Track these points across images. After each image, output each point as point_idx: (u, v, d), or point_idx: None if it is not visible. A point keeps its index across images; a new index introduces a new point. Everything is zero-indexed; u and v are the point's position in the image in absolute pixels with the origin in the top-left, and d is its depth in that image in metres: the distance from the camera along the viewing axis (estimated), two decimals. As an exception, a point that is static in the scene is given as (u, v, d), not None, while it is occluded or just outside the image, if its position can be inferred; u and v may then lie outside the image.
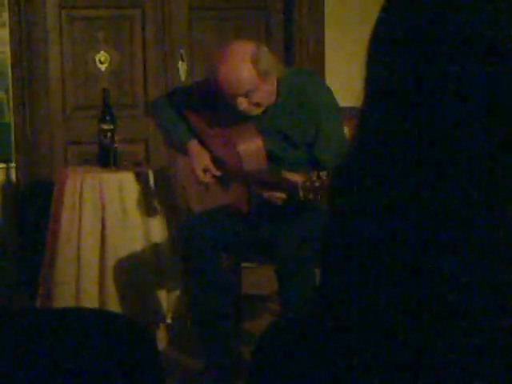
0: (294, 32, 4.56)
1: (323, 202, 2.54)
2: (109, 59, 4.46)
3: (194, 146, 3.14)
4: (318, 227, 2.69)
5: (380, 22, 0.82)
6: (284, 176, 2.74)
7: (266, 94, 2.92)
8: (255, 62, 2.86)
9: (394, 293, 0.77)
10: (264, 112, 2.97)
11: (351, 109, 3.03)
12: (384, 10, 0.83)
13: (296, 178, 2.65)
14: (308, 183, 2.53)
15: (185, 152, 3.17)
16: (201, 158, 3.11)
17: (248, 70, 2.85)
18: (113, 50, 4.46)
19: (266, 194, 2.81)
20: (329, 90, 3.04)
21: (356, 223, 0.80)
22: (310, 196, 2.53)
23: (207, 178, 3.11)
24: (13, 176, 4.27)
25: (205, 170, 3.11)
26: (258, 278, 3.75)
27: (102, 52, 4.45)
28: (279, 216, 2.93)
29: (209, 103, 3.11)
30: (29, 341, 1.33)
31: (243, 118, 3.00)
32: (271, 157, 2.99)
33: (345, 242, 0.82)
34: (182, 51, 4.52)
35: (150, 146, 4.54)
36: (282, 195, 2.75)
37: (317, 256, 2.79)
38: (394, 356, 0.78)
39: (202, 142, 3.15)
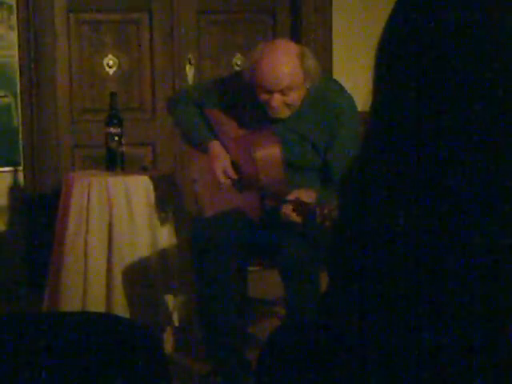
0: (301, 35, 4.56)
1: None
2: (117, 63, 4.47)
3: (215, 146, 3.09)
4: (320, 230, 2.68)
5: (387, 29, 0.82)
6: (303, 200, 2.70)
7: (300, 95, 2.88)
8: (301, 58, 2.83)
9: (396, 303, 0.77)
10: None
11: (360, 113, 3.02)
12: (391, 18, 0.82)
13: (312, 197, 2.62)
14: (326, 211, 2.51)
15: (204, 151, 3.14)
16: (222, 159, 3.08)
17: (294, 64, 2.81)
18: (121, 54, 4.47)
19: (282, 213, 2.77)
20: (350, 100, 2.99)
21: (364, 231, 0.80)
22: (327, 223, 2.51)
23: (226, 181, 3.08)
24: (20, 179, 4.27)
25: (224, 173, 3.09)
26: (264, 282, 3.75)
27: (109, 56, 4.46)
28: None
29: (232, 102, 3.07)
30: (36, 344, 1.32)
31: (265, 122, 2.97)
32: (290, 163, 2.97)
33: (351, 251, 0.81)
34: (189, 55, 4.53)
35: (158, 150, 4.55)
36: (298, 219, 2.72)
37: (323, 261, 2.78)
38: (396, 363, 0.77)
39: (222, 144, 3.11)
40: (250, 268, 3.48)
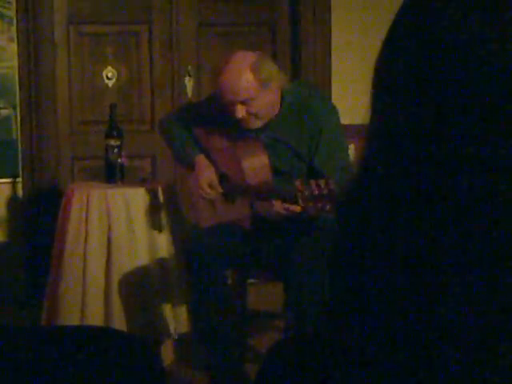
0: (300, 48, 4.56)
1: (323, 212, 2.52)
2: (116, 75, 4.47)
3: (200, 160, 3.14)
4: (325, 245, 2.67)
5: (385, 48, 0.82)
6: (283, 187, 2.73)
7: (266, 104, 2.93)
8: (255, 69, 2.89)
9: (399, 315, 0.76)
10: (267, 125, 2.98)
11: (358, 126, 3.03)
12: (389, 35, 0.82)
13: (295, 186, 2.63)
14: (306, 192, 2.51)
15: (192, 167, 3.17)
16: (206, 172, 3.11)
17: (247, 76, 2.88)
18: (120, 66, 4.48)
19: (274, 211, 2.79)
20: (331, 105, 3.07)
21: (364, 243, 0.80)
22: (310, 204, 2.51)
23: (211, 194, 3.11)
24: (19, 191, 4.27)
25: (210, 186, 3.11)
26: (264, 295, 3.74)
27: (109, 67, 4.46)
28: (286, 232, 2.92)
29: (216, 118, 3.11)
30: (33, 358, 1.32)
31: (250, 133, 3.00)
32: (277, 171, 2.99)
33: (352, 262, 0.81)
34: (189, 67, 4.53)
35: (157, 162, 4.55)
36: (282, 206, 2.74)
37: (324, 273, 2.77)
38: (397, 375, 0.77)
39: (208, 158, 3.15)
40: (250, 280, 3.47)
